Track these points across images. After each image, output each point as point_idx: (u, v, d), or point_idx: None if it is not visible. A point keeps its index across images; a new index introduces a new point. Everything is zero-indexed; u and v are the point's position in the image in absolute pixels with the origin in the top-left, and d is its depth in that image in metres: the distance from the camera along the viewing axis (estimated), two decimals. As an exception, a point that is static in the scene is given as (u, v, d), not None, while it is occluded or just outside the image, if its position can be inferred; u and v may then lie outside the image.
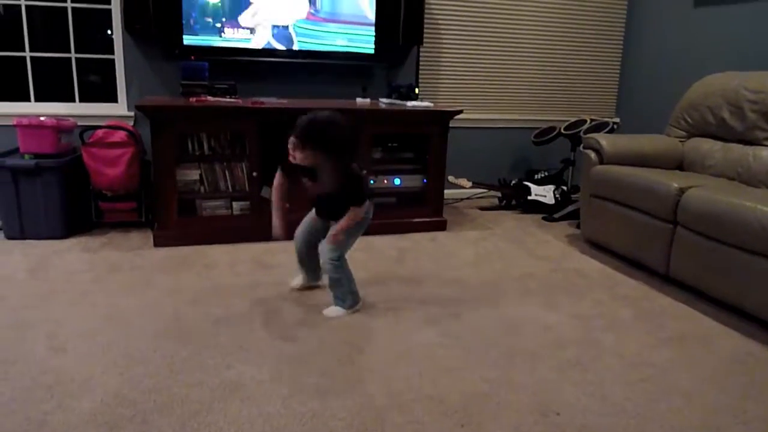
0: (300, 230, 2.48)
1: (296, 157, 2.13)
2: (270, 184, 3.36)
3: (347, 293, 2.39)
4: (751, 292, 2.41)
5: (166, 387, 1.81)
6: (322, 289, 2.59)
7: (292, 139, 2.12)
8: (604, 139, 3.41)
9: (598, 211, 3.35)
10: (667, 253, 2.85)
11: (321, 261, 2.37)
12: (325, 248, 2.33)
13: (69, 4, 3.59)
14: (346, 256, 2.39)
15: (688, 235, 2.72)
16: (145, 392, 1.78)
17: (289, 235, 2.39)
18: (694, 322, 2.46)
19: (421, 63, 4.27)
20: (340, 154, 2.15)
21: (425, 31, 4.03)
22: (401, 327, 2.30)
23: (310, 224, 2.46)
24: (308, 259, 2.52)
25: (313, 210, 2.46)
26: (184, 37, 3.52)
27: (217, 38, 3.59)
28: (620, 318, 2.47)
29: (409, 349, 2.12)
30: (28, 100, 3.64)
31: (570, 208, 4.13)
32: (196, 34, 3.54)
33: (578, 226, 3.76)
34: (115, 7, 3.61)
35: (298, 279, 2.64)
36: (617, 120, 4.25)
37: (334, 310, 2.39)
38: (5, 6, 3.59)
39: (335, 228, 2.29)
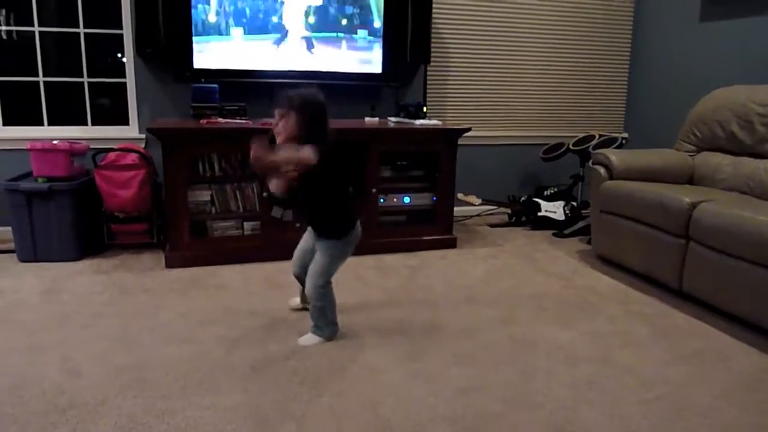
0: (297, 249, 2.43)
1: (279, 127, 2.10)
2: (281, 204, 3.39)
3: (328, 323, 2.32)
4: (767, 307, 2.39)
5: (180, 409, 1.81)
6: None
7: (275, 111, 2.11)
8: (613, 155, 3.41)
9: (609, 226, 3.34)
10: (680, 269, 2.83)
11: (306, 287, 2.29)
12: (311, 273, 2.27)
13: (81, 30, 3.65)
14: (332, 281, 2.32)
15: (701, 250, 2.70)
16: (158, 415, 1.78)
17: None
18: (709, 339, 2.44)
19: (428, 81, 4.29)
20: (316, 118, 2.13)
21: (432, 49, 4.06)
22: (414, 346, 2.29)
23: (306, 242, 2.40)
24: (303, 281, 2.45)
25: (308, 229, 2.40)
26: (195, 59, 3.56)
27: (227, 60, 3.63)
28: (635, 335, 2.45)
29: (423, 368, 2.11)
30: (41, 124, 3.69)
31: (580, 224, 4.12)
32: (207, 56, 3.59)
33: (589, 242, 3.75)
34: (127, 32, 3.67)
35: (296, 299, 2.63)
36: (625, 135, 4.25)
37: (309, 338, 2.31)
38: (19, 32, 3.65)
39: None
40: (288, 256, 3.34)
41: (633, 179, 3.30)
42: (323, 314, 2.30)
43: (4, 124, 3.64)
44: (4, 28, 3.60)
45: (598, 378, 2.07)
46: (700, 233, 2.70)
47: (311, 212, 2.31)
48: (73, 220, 3.25)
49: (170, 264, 3.19)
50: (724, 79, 3.68)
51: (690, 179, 3.47)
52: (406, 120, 3.84)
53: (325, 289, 2.28)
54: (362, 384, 2.00)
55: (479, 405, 1.88)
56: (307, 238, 2.41)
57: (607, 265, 3.40)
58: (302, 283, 2.45)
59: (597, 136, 4.20)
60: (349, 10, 3.81)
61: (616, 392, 1.98)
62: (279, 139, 2.13)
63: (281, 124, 2.11)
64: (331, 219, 2.26)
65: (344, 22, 3.81)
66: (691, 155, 3.55)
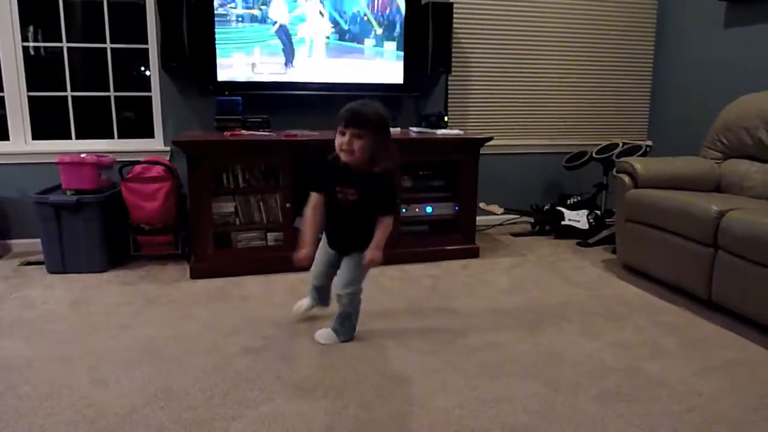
0: (319, 263, 2.42)
1: (353, 149, 2.07)
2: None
3: (350, 328, 2.41)
4: (800, 318, 2.33)
5: (206, 420, 1.82)
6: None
7: (347, 130, 2.07)
8: (638, 163, 3.37)
9: (635, 235, 3.30)
10: (708, 278, 2.78)
11: (337, 293, 2.36)
12: (345, 282, 2.32)
13: (108, 45, 3.72)
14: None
15: (730, 259, 2.65)
16: (186, 426, 1.79)
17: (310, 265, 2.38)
18: (741, 350, 2.38)
19: (449, 91, 4.30)
20: (388, 134, 2.15)
21: (453, 59, 4.06)
22: (439, 357, 2.28)
23: (329, 256, 2.40)
24: (324, 290, 2.52)
25: (325, 243, 2.41)
26: (218, 72, 3.61)
27: (251, 73, 3.68)
28: (663, 346, 2.41)
29: (448, 380, 2.10)
30: (69, 137, 3.76)
31: (605, 233, 4.07)
32: (230, 69, 3.63)
33: (614, 251, 3.70)
34: (152, 47, 3.74)
35: (304, 303, 2.60)
36: (650, 143, 4.20)
37: (328, 336, 2.39)
38: (47, 48, 3.74)
39: (373, 246, 2.22)
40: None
41: (658, 187, 3.26)
42: (349, 319, 2.38)
43: (34, 138, 3.72)
44: (32, 44, 3.68)
45: (626, 390, 2.04)
46: (728, 242, 2.65)
47: (356, 229, 2.28)
48: (100, 232, 3.30)
49: (195, 275, 3.22)
50: (751, 85, 3.62)
51: (717, 187, 3.42)
52: (428, 130, 3.85)
53: (358, 295, 2.36)
54: (388, 395, 1.99)
55: (506, 417, 1.86)
56: (328, 252, 2.41)
57: (633, 275, 3.35)
58: (321, 295, 2.53)
59: (621, 144, 4.16)
60: (368, 23, 3.83)
61: (645, 404, 1.94)
62: (349, 159, 2.10)
63: (356, 144, 2.06)
64: (370, 233, 2.26)
65: (364, 33, 3.83)
66: (717, 162, 3.50)
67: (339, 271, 2.36)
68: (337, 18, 3.76)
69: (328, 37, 3.77)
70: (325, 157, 2.25)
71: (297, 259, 2.25)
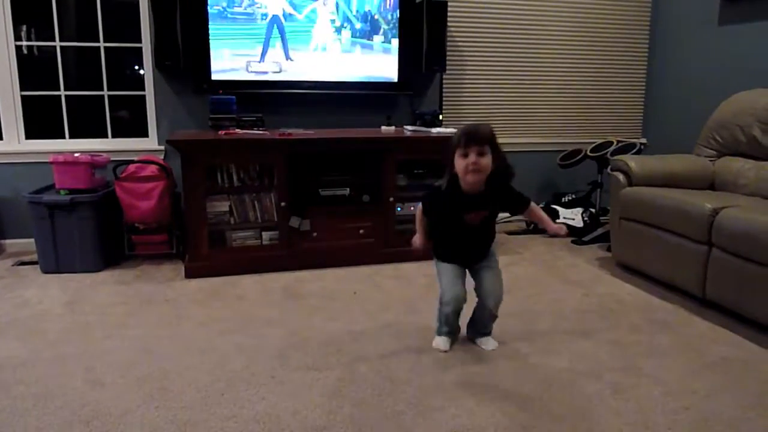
0: (459, 287, 2.27)
1: (480, 167, 2.08)
2: (298, 213, 3.40)
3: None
4: (793, 315, 2.34)
5: (201, 420, 1.81)
6: (350, 319, 2.57)
7: (470, 150, 2.08)
8: (632, 161, 3.38)
9: (629, 233, 3.30)
10: (702, 276, 2.79)
11: (495, 302, 2.29)
12: (499, 291, 2.30)
13: (101, 44, 3.70)
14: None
15: (724, 257, 2.66)
16: (181, 426, 1.78)
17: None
18: (735, 347, 2.39)
19: (444, 89, 4.30)
20: (499, 147, 2.20)
21: (448, 57, 4.06)
22: (433, 357, 2.28)
23: (458, 274, 2.29)
24: (458, 315, 2.38)
25: (448, 263, 2.30)
26: (212, 71, 3.60)
27: (245, 72, 3.67)
28: (658, 343, 2.42)
29: (444, 380, 2.10)
30: (63, 137, 3.74)
31: (599, 231, 4.08)
32: (224, 69, 3.62)
33: (608, 249, 3.71)
34: (146, 46, 3.72)
35: (443, 342, 2.38)
36: (644, 141, 4.21)
37: (493, 342, 2.40)
38: (40, 47, 3.72)
39: (550, 222, 2.27)
40: (306, 266, 3.36)
41: (652, 185, 3.27)
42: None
43: (27, 137, 3.70)
44: (25, 43, 3.66)
45: (622, 388, 2.04)
46: (722, 239, 2.66)
47: (485, 239, 2.33)
48: (94, 231, 3.29)
49: (190, 274, 3.22)
50: (745, 83, 3.63)
51: (711, 185, 3.43)
52: (423, 129, 3.84)
53: None
54: (384, 394, 1.99)
55: (502, 416, 1.86)
56: (456, 268, 2.29)
57: (628, 273, 3.36)
58: (456, 322, 2.40)
59: (615, 142, 4.17)
60: (364, 20, 3.83)
61: (641, 402, 1.95)
62: (477, 177, 2.10)
63: (482, 161, 2.09)
64: (492, 235, 2.36)
65: (360, 32, 3.83)
66: (711, 160, 3.51)
67: (487, 284, 2.29)
68: (350, 16, 3.76)
69: (338, 37, 3.76)
70: (437, 189, 2.22)
71: (415, 246, 2.33)
